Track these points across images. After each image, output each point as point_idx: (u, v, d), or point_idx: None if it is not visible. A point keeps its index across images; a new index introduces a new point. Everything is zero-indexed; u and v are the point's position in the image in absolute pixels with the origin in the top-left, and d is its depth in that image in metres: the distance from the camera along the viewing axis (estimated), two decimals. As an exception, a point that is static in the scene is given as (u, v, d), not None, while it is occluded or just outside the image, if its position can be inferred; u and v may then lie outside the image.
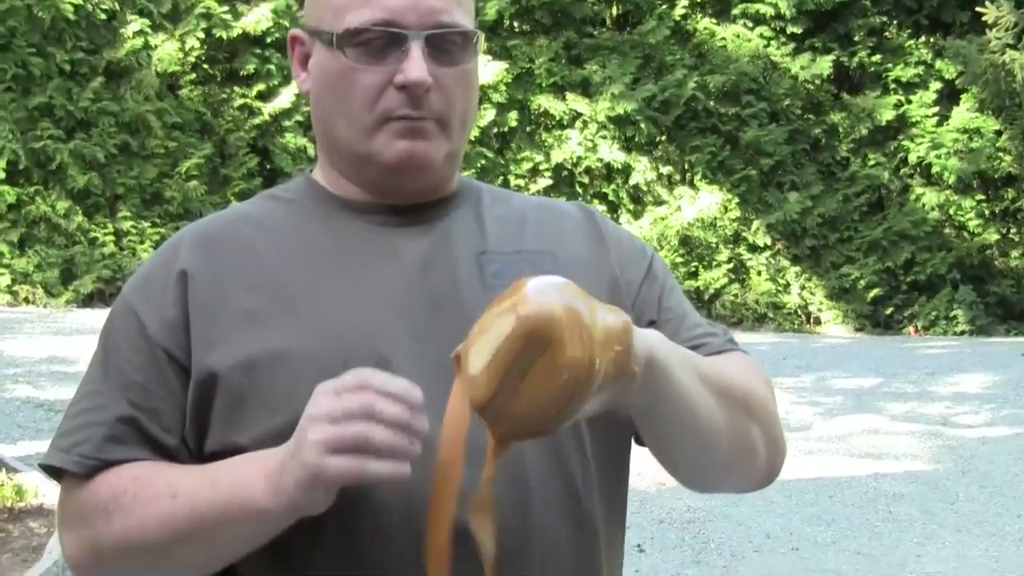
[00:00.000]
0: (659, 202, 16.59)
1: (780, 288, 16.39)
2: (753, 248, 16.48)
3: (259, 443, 1.14)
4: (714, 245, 16.33)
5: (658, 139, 16.68)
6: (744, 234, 16.50)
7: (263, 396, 1.17)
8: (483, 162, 15.66)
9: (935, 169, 16.60)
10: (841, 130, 16.92)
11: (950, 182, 16.50)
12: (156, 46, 14.52)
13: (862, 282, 16.27)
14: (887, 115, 16.59)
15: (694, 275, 16.08)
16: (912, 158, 16.77)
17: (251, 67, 14.98)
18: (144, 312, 1.23)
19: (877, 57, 16.84)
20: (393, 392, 1.01)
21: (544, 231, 1.33)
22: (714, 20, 16.79)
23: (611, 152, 16.40)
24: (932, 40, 16.80)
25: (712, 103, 16.65)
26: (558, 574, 1.20)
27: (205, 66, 15.00)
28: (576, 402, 0.97)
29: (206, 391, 1.19)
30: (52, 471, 1.22)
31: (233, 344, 1.19)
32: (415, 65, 1.20)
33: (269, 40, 14.90)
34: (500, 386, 0.96)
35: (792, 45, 16.79)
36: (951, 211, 16.60)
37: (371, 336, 1.18)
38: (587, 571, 1.23)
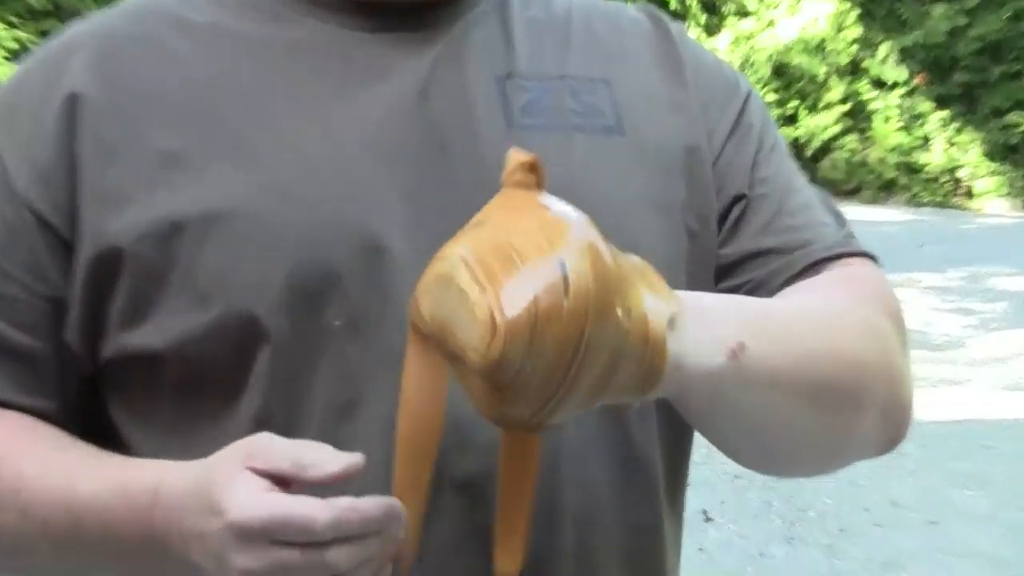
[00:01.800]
0: (743, 12, 16.66)
1: (917, 143, 16.45)
2: (879, 84, 16.51)
3: (180, 347, 1.14)
4: (822, 78, 16.32)
5: (745, -81, 16.72)
6: (866, 63, 16.48)
7: (188, 278, 1.14)
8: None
9: None
10: (1014, -88, 16.93)
11: None
12: None
13: (1036, 137, 16.55)
14: None
15: (791, 120, 16.15)
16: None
17: None
18: (6, 152, 1.21)
19: None
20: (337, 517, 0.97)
21: (598, 49, 1.32)
22: None
23: (677, -62, 16.41)
24: None
25: None
26: (602, 538, 1.22)
27: None
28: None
29: (103, 273, 1.16)
30: None
31: (145, 203, 1.16)
32: None
33: None
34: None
35: None
36: None
37: (348, 193, 1.17)
38: (644, 538, 1.26)
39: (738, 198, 1.28)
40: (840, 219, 1.33)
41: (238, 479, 0.99)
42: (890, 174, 16.47)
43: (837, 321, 1.22)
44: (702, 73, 1.34)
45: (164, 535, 1.05)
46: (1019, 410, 7.51)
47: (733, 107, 1.32)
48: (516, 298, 0.89)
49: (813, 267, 1.26)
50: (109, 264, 1.16)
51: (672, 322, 0.99)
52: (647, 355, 0.97)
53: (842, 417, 1.18)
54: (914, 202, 16.27)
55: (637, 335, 0.96)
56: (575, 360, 0.91)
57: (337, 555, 0.97)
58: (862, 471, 6.12)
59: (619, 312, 0.94)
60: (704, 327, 1.05)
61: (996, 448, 6.86)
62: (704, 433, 1.17)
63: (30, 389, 1.18)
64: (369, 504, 0.97)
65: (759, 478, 5.97)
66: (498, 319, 0.89)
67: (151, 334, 1.16)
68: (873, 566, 5.27)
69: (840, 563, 5.29)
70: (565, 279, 0.89)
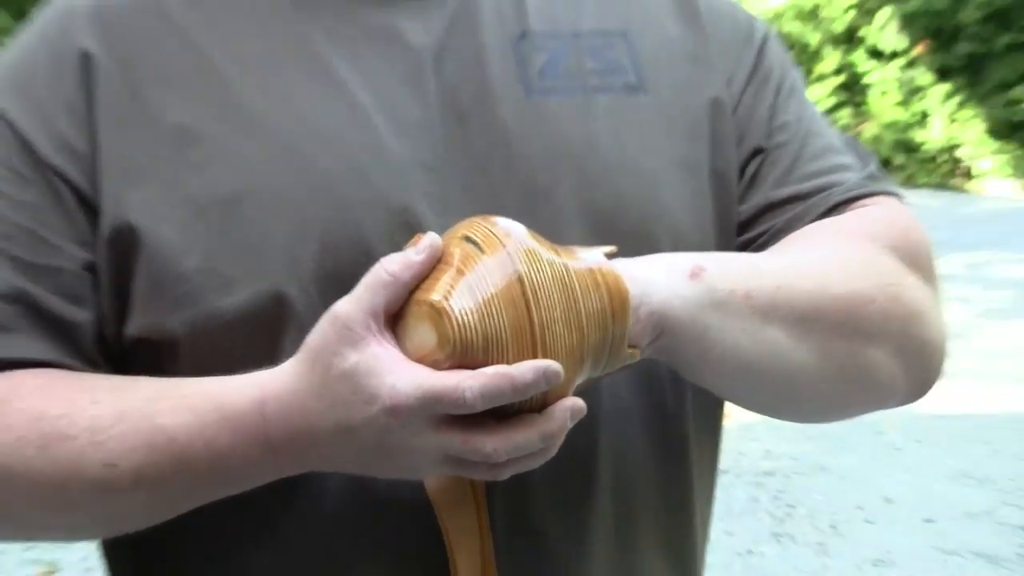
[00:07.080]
0: (730, -26, 16.52)
1: (915, 119, 16.23)
2: (875, 54, 16.27)
3: (200, 332, 1.14)
4: (815, 47, 16.14)
5: None
6: (863, 31, 16.25)
7: (210, 261, 1.15)
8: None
9: None
10: None
11: None
12: None
13: (1043, 114, 16.50)
14: None
15: (781, 92, 16.15)
16: None
17: None
18: (25, 119, 1.20)
19: None
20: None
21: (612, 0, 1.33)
22: None
23: None
24: None
25: None
26: (641, 513, 1.28)
27: None
28: None
29: (121, 249, 1.17)
30: None
31: (161, 182, 1.17)
32: None
33: None
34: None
35: None
36: None
37: (373, 166, 1.18)
38: (679, 514, 1.32)
39: (757, 151, 1.31)
40: (864, 159, 1.36)
41: (371, 360, 0.99)
42: (886, 153, 16.42)
43: (825, 258, 1.22)
44: (716, 18, 1.35)
45: (285, 449, 1.05)
46: (1021, 404, 7.47)
47: (749, 52, 1.34)
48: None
49: (831, 212, 1.28)
50: (126, 241, 1.15)
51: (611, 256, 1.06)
52: (603, 285, 1.02)
53: (841, 350, 1.19)
54: (911, 184, 16.20)
55: (584, 270, 1.02)
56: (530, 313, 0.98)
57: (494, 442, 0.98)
58: (854, 466, 6.35)
59: (550, 254, 1.01)
60: (655, 261, 1.10)
61: (995, 444, 6.82)
62: (708, 384, 1.18)
63: (78, 360, 1.16)
64: (521, 368, 0.96)
65: (749, 472, 6.16)
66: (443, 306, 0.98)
67: (170, 318, 1.14)
68: (865, 564, 5.25)
69: (831, 561, 5.27)
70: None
